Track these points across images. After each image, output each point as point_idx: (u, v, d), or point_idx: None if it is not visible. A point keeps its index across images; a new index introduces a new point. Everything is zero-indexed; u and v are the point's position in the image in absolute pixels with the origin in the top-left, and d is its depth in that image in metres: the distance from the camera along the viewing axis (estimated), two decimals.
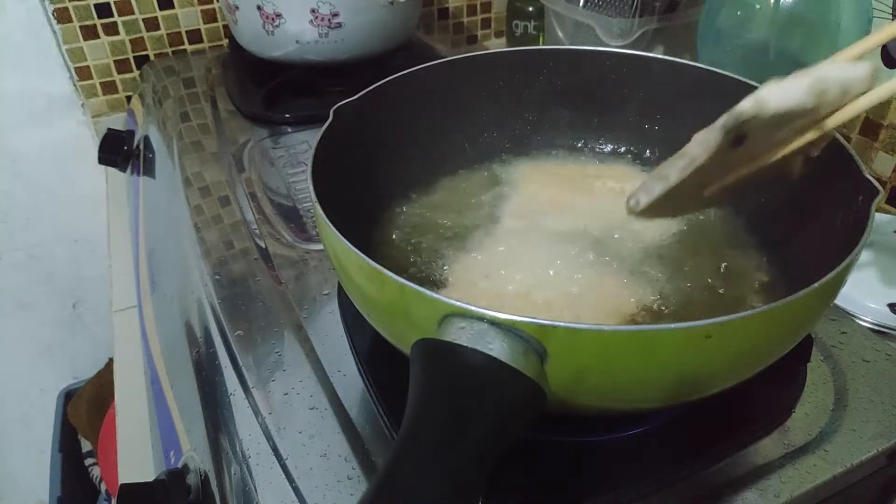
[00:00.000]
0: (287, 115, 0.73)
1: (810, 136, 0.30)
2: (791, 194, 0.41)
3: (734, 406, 0.38)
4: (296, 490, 0.35)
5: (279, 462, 0.37)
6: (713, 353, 0.27)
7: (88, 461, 0.99)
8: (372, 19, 0.73)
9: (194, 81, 0.83)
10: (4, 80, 0.84)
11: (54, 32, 0.83)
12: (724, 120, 0.28)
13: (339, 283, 0.48)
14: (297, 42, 0.72)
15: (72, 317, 1.05)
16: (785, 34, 0.60)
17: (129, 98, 0.91)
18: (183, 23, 0.89)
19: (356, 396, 0.40)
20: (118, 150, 0.78)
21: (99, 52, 0.87)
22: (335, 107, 0.41)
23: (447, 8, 1.03)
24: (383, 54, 0.78)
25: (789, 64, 0.45)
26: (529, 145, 0.53)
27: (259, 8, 0.71)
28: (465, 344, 0.25)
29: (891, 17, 0.33)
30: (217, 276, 0.51)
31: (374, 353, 0.42)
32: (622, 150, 0.52)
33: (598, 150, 0.53)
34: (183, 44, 0.91)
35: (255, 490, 0.36)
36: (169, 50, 0.91)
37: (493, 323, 0.26)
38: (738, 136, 0.28)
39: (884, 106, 0.64)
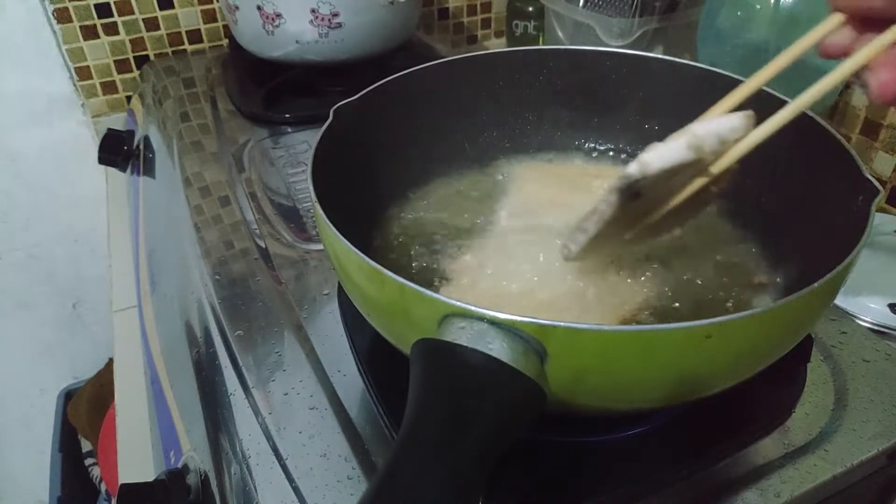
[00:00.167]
0: (287, 115, 0.73)
1: (700, 182, 0.34)
2: (791, 194, 0.41)
3: (734, 406, 0.38)
4: (296, 490, 0.35)
5: (279, 462, 0.37)
6: (713, 353, 0.27)
7: (88, 461, 0.99)
8: (372, 19, 0.73)
9: (194, 81, 0.83)
10: (4, 80, 0.84)
11: (54, 32, 0.83)
12: (616, 182, 0.32)
13: (339, 283, 0.48)
14: (297, 42, 0.72)
15: (72, 317, 1.05)
16: (785, 34, 0.60)
17: (129, 98, 0.91)
18: (183, 23, 0.89)
19: (356, 396, 0.40)
20: (118, 150, 0.78)
21: (99, 52, 0.87)
22: (335, 107, 0.41)
23: (447, 8, 1.03)
24: (383, 54, 0.78)
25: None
26: (529, 145, 0.53)
27: (259, 8, 0.71)
28: (465, 344, 0.25)
29: None
30: (217, 276, 0.51)
31: (374, 353, 0.42)
32: (622, 149, 0.52)
33: (597, 149, 0.53)
34: (183, 44, 0.91)
35: (255, 490, 0.36)
36: (169, 50, 0.91)
37: (493, 323, 0.26)
38: (632, 194, 0.32)
39: (884, 106, 0.64)
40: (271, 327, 0.46)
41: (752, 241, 0.44)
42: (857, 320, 0.48)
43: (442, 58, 0.48)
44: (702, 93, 0.37)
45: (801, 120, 0.39)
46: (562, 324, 0.25)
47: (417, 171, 0.49)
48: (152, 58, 0.90)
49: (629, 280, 0.40)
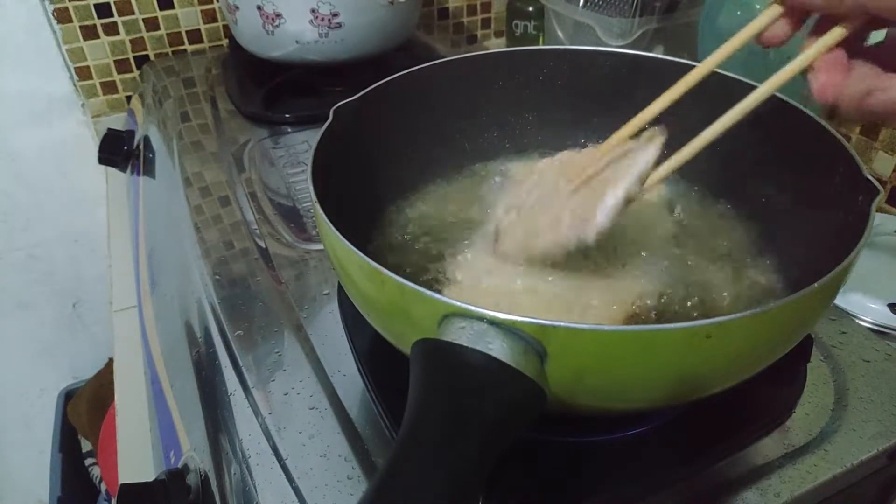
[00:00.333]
0: (287, 115, 0.73)
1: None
2: (791, 194, 0.41)
3: (734, 406, 0.38)
4: (296, 490, 0.35)
5: (279, 462, 0.37)
6: (713, 353, 0.27)
7: (88, 461, 1.00)
8: (372, 19, 0.73)
9: (194, 81, 0.83)
10: (4, 80, 0.84)
11: (54, 32, 0.83)
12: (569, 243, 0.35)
13: (339, 283, 0.48)
14: (297, 42, 0.72)
15: (72, 317, 1.05)
16: None
17: (129, 98, 0.91)
18: (183, 23, 0.89)
19: (356, 396, 0.40)
20: (118, 150, 0.78)
21: (99, 52, 0.87)
22: (335, 107, 0.41)
23: (447, 8, 1.03)
24: (383, 54, 0.78)
25: None
26: (529, 145, 0.53)
27: (259, 8, 0.71)
28: (465, 344, 0.25)
29: None
30: (217, 276, 0.51)
31: (374, 353, 0.42)
32: None
33: None
34: (183, 44, 0.91)
35: (255, 490, 0.36)
36: (169, 50, 0.91)
37: (493, 323, 0.26)
38: None
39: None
40: (271, 327, 0.46)
41: (752, 241, 0.44)
42: (857, 320, 0.48)
43: (442, 58, 0.48)
44: (702, 93, 0.37)
45: (802, 120, 0.39)
46: (562, 324, 0.25)
47: (417, 171, 0.49)
48: (152, 58, 0.90)
49: (629, 280, 0.40)
